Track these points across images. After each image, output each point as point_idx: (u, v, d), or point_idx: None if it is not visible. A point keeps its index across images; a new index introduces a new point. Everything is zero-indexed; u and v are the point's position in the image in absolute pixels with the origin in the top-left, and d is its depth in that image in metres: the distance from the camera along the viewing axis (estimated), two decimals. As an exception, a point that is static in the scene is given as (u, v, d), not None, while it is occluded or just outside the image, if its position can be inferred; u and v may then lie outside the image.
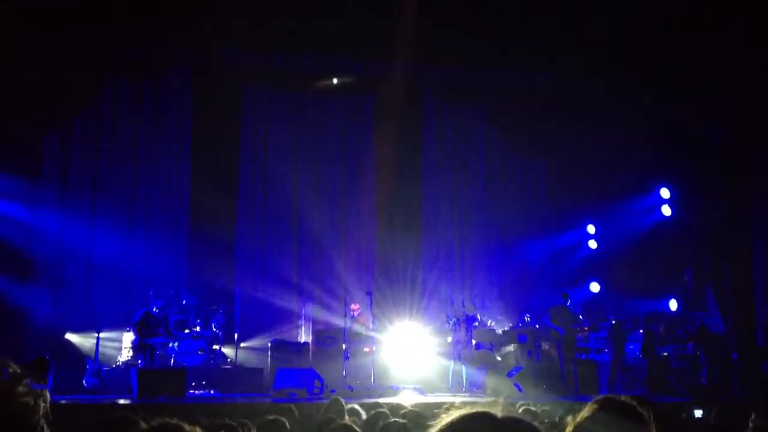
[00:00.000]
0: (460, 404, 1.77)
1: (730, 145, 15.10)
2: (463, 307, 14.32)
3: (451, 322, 14.17)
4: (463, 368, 13.56)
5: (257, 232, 16.12)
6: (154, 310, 13.09)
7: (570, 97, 16.17)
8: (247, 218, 16.10)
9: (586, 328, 14.36)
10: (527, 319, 15.07)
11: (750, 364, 13.72)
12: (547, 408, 6.73)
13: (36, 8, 13.28)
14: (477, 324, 14.31)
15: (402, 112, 16.50)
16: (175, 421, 2.08)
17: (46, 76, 14.04)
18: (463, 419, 1.62)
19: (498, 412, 1.62)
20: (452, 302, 14.62)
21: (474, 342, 14.10)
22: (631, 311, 15.56)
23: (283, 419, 4.72)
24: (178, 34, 14.76)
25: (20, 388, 1.76)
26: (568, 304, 13.80)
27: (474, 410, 1.63)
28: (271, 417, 4.74)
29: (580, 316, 13.93)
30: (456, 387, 13.49)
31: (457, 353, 13.74)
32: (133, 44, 14.99)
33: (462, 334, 13.89)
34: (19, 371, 1.80)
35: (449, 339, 14.12)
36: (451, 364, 13.71)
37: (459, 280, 16.82)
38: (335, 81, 16.36)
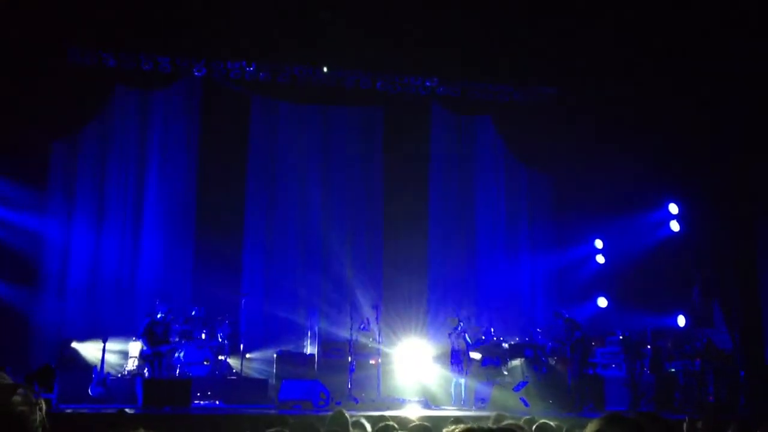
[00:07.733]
0: (464, 418, 1.78)
1: (738, 162, 15.05)
2: (448, 320, 14.22)
3: (451, 336, 14.06)
4: (463, 382, 13.47)
5: (264, 244, 16.10)
6: (159, 316, 13.07)
7: (577, 110, 16.15)
8: (254, 229, 16.09)
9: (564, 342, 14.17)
10: (539, 331, 14.99)
11: (757, 382, 13.63)
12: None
13: (48, 18, 13.36)
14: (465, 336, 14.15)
15: (410, 125, 16.57)
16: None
17: (55, 85, 14.11)
18: None
19: (498, 424, 1.62)
20: (457, 315, 14.50)
21: (473, 355, 13.96)
22: (638, 327, 15.47)
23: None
24: (188, 46, 14.86)
25: (15, 397, 1.76)
26: (565, 319, 13.80)
27: (474, 425, 1.63)
28: (273, 430, 4.68)
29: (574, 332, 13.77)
30: (458, 401, 13.36)
31: (458, 367, 13.67)
32: (142, 55, 15.04)
33: (462, 347, 13.77)
34: (12, 382, 1.80)
35: (449, 352, 14.02)
36: (454, 378, 13.63)
37: (465, 294, 16.72)
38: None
